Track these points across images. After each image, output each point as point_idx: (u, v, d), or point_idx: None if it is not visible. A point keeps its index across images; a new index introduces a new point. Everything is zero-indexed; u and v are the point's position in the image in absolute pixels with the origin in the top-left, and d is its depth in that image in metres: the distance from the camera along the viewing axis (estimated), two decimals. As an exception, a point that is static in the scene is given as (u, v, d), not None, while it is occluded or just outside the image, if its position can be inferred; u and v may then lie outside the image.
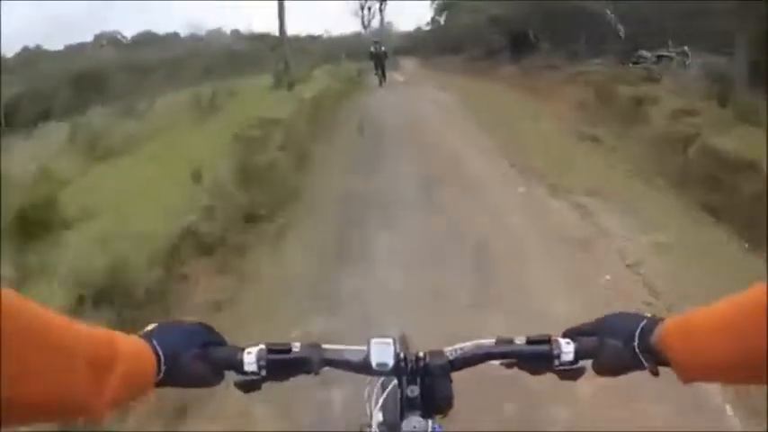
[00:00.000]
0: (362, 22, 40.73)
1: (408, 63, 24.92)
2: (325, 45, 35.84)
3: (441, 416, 0.74)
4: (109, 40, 31.75)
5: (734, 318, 0.55)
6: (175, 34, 36.32)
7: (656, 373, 0.64)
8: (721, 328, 0.56)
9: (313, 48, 32.26)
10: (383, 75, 15.33)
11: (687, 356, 0.60)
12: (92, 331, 0.54)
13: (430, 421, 0.72)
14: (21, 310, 0.46)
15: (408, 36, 45.26)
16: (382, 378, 0.76)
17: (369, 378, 0.78)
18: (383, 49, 15.79)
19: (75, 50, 29.35)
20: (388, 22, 43.36)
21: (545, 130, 6.95)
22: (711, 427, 1.86)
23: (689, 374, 0.60)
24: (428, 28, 39.05)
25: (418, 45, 37.70)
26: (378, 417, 0.75)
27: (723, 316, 0.56)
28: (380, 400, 0.76)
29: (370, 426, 0.75)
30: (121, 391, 0.55)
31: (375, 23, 41.66)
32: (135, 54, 28.03)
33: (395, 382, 0.74)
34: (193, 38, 34.82)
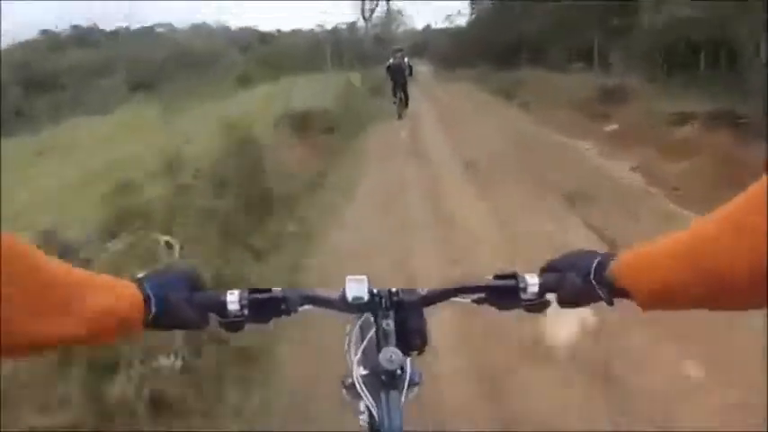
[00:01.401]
0: (362, 11, 31.60)
1: (421, 74, 20.86)
2: (309, 42, 31.34)
3: (416, 353, 0.83)
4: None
5: (693, 246, 0.62)
6: (126, 29, 33.60)
7: (610, 303, 0.75)
8: (674, 255, 0.64)
9: (284, 48, 29.83)
10: (405, 100, 11.80)
11: (642, 286, 0.69)
12: (89, 275, 0.66)
13: (408, 359, 0.81)
14: (20, 253, 0.55)
15: (415, 34, 39.62)
16: (359, 322, 0.88)
17: (347, 329, 0.90)
18: (407, 60, 12.10)
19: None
20: (397, 11, 36.18)
21: None
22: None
23: (646, 303, 0.69)
24: (448, 25, 33.04)
25: (431, 46, 32.76)
26: (359, 368, 0.85)
27: (675, 244, 0.65)
28: (361, 347, 0.86)
29: (351, 377, 0.85)
30: (114, 329, 0.67)
31: (380, 12, 33.98)
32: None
33: (373, 329, 0.85)
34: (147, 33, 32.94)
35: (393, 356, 0.78)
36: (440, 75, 22.26)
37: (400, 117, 11.42)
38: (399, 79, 11.42)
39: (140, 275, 0.77)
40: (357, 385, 0.83)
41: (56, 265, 0.60)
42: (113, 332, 0.68)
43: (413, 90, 12.81)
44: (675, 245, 0.64)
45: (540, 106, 11.08)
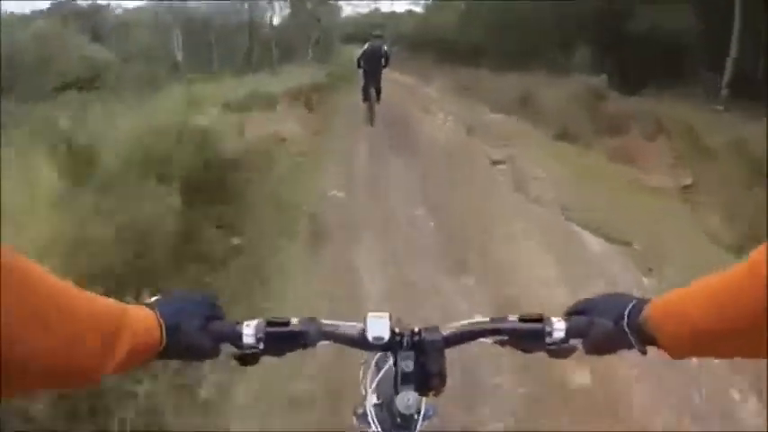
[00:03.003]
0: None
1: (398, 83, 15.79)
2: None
3: (434, 394, 0.81)
4: None
5: (718, 293, 0.61)
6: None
7: (644, 353, 0.73)
8: (707, 305, 0.63)
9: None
10: (377, 96, 9.50)
11: (673, 333, 0.67)
12: (100, 300, 0.61)
13: (423, 399, 0.81)
14: (26, 278, 0.50)
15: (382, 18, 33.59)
16: (376, 357, 0.80)
17: (363, 359, 0.90)
18: (385, 49, 9.61)
19: None
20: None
21: None
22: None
23: (677, 351, 0.68)
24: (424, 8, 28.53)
25: (405, 38, 28.30)
26: (372, 397, 0.85)
27: (708, 293, 0.63)
28: (375, 380, 0.83)
29: (364, 407, 0.85)
30: (126, 360, 0.62)
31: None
32: None
33: (390, 362, 0.84)
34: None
35: (410, 400, 0.77)
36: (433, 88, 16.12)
37: (371, 123, 9.36)
38: (373, 70, 9.28)
39: (153, 299, 0.73)
40: (369, 417, 0.82)
41: (66, 290, 0.55)
42: (128, 364, 0.63)
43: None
44: (704, 291, 0.63)
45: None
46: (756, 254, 0.57)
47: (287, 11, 26.34)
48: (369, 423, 0.82)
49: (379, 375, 0.83)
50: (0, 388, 0.48)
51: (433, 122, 10.27)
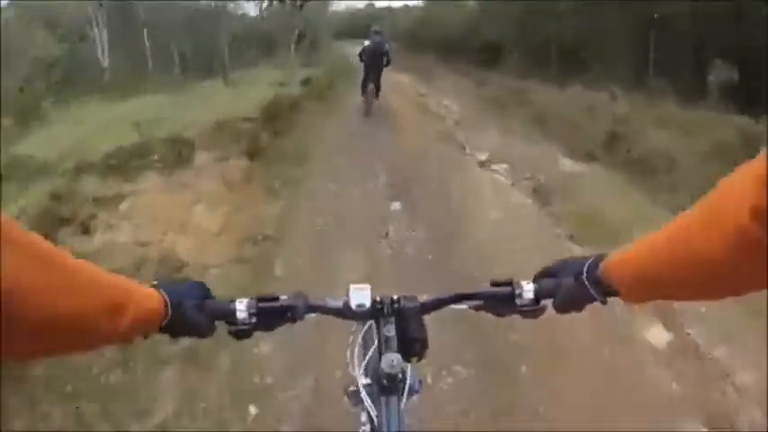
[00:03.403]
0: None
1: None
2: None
3: (417, 359, 0.87)
4: None
5: (665, 237, 0.67)
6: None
7: (604, 302, 0.79)
8: (654, 248, 0.68)
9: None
10: (376, 92, 9.76)
11: (630, 281, 0.73)
12: (107, 274, 0.66)
13: (409, 366, 0.85)
14: (31, 246, 0.53)
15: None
16: (363, 332, 0.91)
17: (350, 339, 0.93)
18: (387, 48, 9.72)
19: None
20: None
21: None
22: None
23: (631, 296, 0.74)
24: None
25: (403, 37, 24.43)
26: (362, 377, 0.89)
27: (655, 238, 0.68)
28: (365, 354, 0.90)
29: (354, 385, 0.89)
30: (130, 330, 0.67)
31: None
32: None
33: (376, 339, 0.88)
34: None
35: (394, 362, 0.82)
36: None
37: (368, 113, 9.61)
38: (375, 65, 9.43)
39: (156, 282, 0.79)
40: (360, 392, 0.87)
41: (74, 265, 0.59)
42: (132, 335, 0.69)
43: None
44: (656, 238, 0.68)
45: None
46: (704, 199, 0.61)
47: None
48: (360, 400, 0.87)
49: (370, 353, 0.88)
50: (1, 347, 0.51)
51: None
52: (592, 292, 0.78)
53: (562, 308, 0.84)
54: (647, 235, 0.71)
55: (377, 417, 0.84)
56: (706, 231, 0.59)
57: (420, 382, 0.88)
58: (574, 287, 0.80)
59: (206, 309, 0.82)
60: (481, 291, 0.88)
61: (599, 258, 0.79)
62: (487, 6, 17.95)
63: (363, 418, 0.90)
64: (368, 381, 0.88)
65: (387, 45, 9.69)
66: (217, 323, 0.84)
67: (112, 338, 0.66)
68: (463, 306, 0.89)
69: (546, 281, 0.85)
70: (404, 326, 0.86)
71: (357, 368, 0.90)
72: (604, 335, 3.01)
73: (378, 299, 0.88)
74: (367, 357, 0.89)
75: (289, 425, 2.44)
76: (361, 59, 9.66)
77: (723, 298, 0.64)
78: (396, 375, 0.82)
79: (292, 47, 18.19)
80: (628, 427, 2.35)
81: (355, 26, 28.53)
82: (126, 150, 5.98)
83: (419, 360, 0.87)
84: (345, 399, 0.93)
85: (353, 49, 10.07)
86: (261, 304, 0.84)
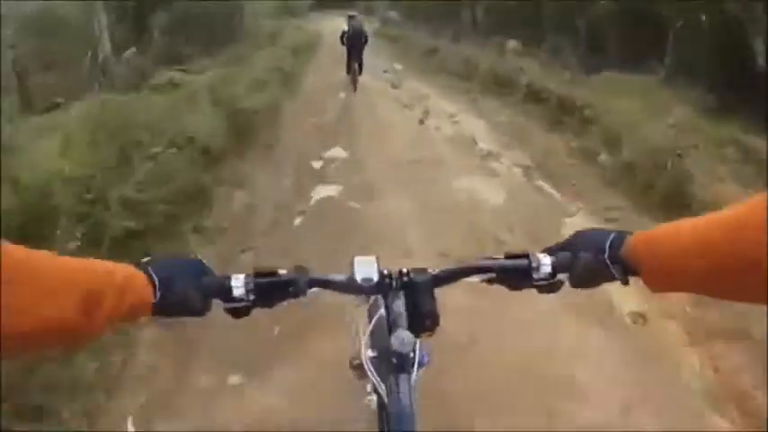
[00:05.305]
0: None
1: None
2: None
3: (428, 334, 0.81)
4: None
5: (705, 233, 0.63)
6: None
7: (626, 283, 0.75)
8: (684, 240, 0.65)
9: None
10: (359, 69, 10.77)
11: (655, 266, 0.70)
12: (87, 263, 0.64)
13: (418, 342, 0.79)
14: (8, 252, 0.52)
15: None
16: (368, 305, 0.86)
17: (353, 312, 0.88)
18: (365, 30, 11.18)
19: None
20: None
21: None
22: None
23: (656, 284, 0.71)
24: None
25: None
26: (368, 349, 0.84)
27: (687, 229, 0.66)
28: (369, 327, 0.84)
29: (359, 358, 0.83)
30: (114, 316, 0.64)
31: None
32: None
33: (381, 309, 0.82)
34: None
35: (405, 339, 0.76)
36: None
37: (354, 91, 10.53)
38: (356, 47, 10.57)
39: (146, 260, 0.75)
40: (366, 366, 0.81)
41: (47, 260, 0.59)
42: (118, 321, 0.66)
43: None
44: (688, 230, 0.66)
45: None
46: (758, 197, 0.58)
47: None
48: (366, 373, 0.82)
49: (372, 324, 0.82)
50: None
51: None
52: (613, 271, 0.75)
53: (579, 283, 0.81)
54: (679, 222, 0.68)
55: (386, 393, 0.78)
56: (742, 231, 0.57)
57: (429, 354, 0.81)
58: (592, 264, 0.77)
59: (200, 286, 0.75)
60: (496, 263, 0.83)
61: (622, 236, 0.76)
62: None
63: (369, 388, 0.84)
64: (374, 353, 0.83)
65: (365, 28, 11.10)
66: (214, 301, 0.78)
67: (94, 327, 0.62)
68: (476, 279, 0.84)
69: (563, 254, 0.81)
70: (414, 300, 0.80)
71: (363, 341, 0.83)
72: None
73: (386, 272, 0.82)
74: (369, 328, 0.83)
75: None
76: (343, 43, 10.86)
77: (752, 303, 0.60)
78: (407, 354, 0.76)
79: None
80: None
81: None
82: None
83: (430, 336, 0.82)
84: (351, 373, 0.86)
85: (333, 23, 9.68)
86: (259, 279, 0.77)
